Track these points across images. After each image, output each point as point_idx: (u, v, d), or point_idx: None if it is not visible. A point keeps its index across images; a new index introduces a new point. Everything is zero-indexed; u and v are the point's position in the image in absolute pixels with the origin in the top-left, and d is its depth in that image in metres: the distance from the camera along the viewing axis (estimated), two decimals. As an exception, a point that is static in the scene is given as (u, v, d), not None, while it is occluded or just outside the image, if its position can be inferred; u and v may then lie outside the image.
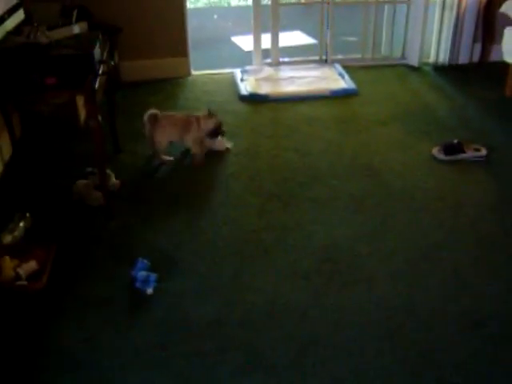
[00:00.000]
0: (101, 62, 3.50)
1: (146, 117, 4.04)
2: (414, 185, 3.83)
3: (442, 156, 4.12)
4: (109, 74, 3.84)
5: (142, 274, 2.94)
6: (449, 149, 4.12)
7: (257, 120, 4.77)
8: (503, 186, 3.85)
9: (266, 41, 5.76)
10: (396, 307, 2.82)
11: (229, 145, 4.29)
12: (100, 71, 3.43)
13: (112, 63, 3.87)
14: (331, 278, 2.99)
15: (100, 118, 3.32)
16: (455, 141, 4.14)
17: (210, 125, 4.09)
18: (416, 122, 4.70)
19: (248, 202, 3.64)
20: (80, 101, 4.09)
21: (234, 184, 3.85)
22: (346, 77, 5.42)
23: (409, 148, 4.30)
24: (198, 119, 4.09)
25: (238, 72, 5.58)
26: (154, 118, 4.04)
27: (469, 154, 4.11)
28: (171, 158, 4.13)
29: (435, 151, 4.17)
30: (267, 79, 5.44)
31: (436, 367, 2.50)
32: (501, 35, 5.00)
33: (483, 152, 4.13)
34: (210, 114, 4.10)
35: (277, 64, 5.79)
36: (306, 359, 2.55)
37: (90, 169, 3.73)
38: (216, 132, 4.14)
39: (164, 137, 4.05)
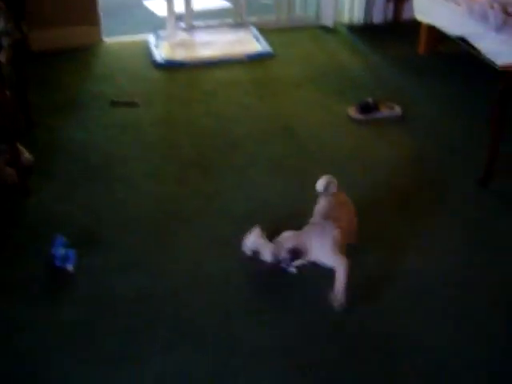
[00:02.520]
0: (5, 33, 3.36)
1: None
2: (331, 145, 3.88)
3: (357, 115, 4.18)
4: (15, 46, 3.69)
5: (60, 251, 2.87)
6: (364, 108, 4.19)
7: (173, 87, 4.70)
8: (418, 142, 3.95)
9: (179, 5, 5.63)
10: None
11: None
12: (5, 43, 3.29)
13: (19, 34, 3.70)
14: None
15: (8, 91, 3.20)
16: (370, 100, 4.21)
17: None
18: (332, 83, 4.74)
19: (167, 172, 3.60)
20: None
21: (153, 154, 3.80)
22: (262, 40, 5.39)
23: (325, 109, 4.34)
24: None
25: (151, 38, 5.45)
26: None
27: (383, 112, 4.19)
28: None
29: (351, 111, 4.22)
30: (182, 44, 5.36)
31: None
32: (412, -7, 5.08)
33: (397, 109, 4.22)
34: None
35: (191, 28, 5.70)
36: (233, 325, 2.58)
37: (1, 145, 3.59)
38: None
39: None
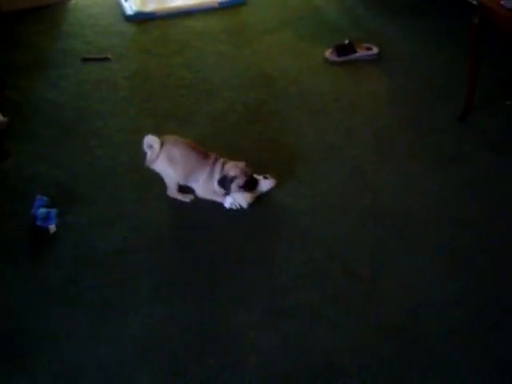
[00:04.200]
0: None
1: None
2: (309, 89, 3.83)
3: (334, 58, 4.12)
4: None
5: (41, 211, 2.84)
6: (341, 50, 4.12)
7: (145, 39, 4.60)
8: (396, 81, 3.90)
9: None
10: (298, 210, 2.87)
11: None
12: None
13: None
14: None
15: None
16: (346, 41, 4.14)
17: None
18: (307, 27, 4.65)
19: (144, 125, 3.53)
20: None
21: (129, 108, 3.73)
22: (232, -14, 5.27)
23: (302, 53, 4.27)
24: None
25: (121, -9, 5.31)
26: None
27: (361, 53, 4.13)
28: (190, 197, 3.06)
29: (328, 54, 4.16)
30: (152, -4, 5.23)
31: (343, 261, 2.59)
32: None
33: (375, 50, 4.15)
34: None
35: (161, -21, 5.56)
36: (216, 275, 2.58)
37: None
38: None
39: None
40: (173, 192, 2.97)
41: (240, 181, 2.85)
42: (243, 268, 2.60)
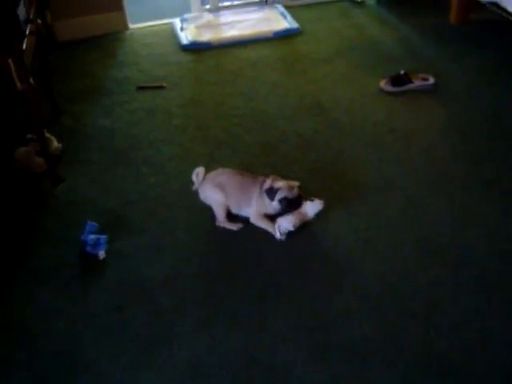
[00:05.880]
0: (27, 21, 3.31)
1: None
2: (363, 119, 3.77)
3: (389, 88, 4.05)
4: (38, 34, 3.65)
5: (91, 237, 2.84)
6: (396, 80, 4.06)
7: (200, 68, 4.62)
8: (452, 112, 3.81)
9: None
10: (351, 241, 2.79)
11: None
12: (27, 31, 3.25)
13: (39, 21, 3.65)
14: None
15: (32, 80, 3.16)
16: (402, 72, 4.07)
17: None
18: (361, 57, 4.61)
19: (196, 153, 3.53)
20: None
21: (181, 136, 3.73)
22: (288, 17, 5.27)
23: (356, 83, 4.22)
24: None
25: (177, 21, 5.38)
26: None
27: (417, 83, 4.05)
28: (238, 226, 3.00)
29: (383, 84, 4.09)
30: (207, 26, 5.27)
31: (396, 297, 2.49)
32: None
33: (431, 80, 4.07)
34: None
35: (216, 9, 5.60)
36: (265, 304, 2.51)
37: (30, 135, 3.56)
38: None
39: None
40: (221, 221, 2.94)
41: (284, 192, 2.81)
42: (292, 302, 2.53)
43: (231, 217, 2.97)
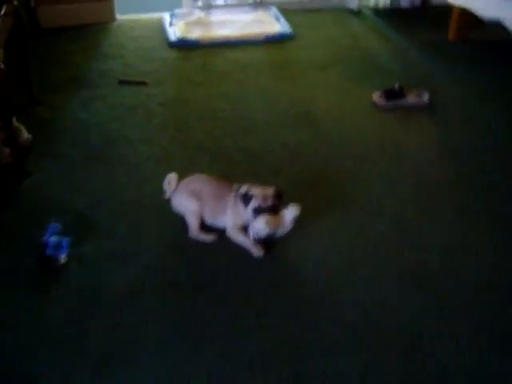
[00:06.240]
0: (2, 1, 3.10)
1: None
2: (353, 132, 3.58)
3: (382, 102, 3.87)
4: (17, 17, 3.44)
5: (53, 239, 2.62)
6: (390, 94, 3.88)
7: (186, 67, 4.42)
8: (447, 132, 3.64)
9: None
10: (333, 264, 2.60)
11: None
12: (1, 11, 3.04)
13: (16, 2, 3.43)
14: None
15: (2, 64, 2.95)
16: (396, 85, 3.90)
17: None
18: (356, 67, 4.43)
19: (175, 155, 3.33)
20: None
21: (161, 135, 3.53)
22: (282, 20, 5.09)
23: (348, 94, 4.04)
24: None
25: (166, 16, 5.17)
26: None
27: (411, 99, 3.88)
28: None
29: (376, 97, 3.91)
30: (198, 23, 5.07)
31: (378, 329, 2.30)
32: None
33: (426, 97, 3.90)
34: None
35: (208, 7, 5.40)
36: (237, 328, 2.31)
37: (-3, 123, 3.34)
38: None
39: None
40: (194, 231, 2.73)
41: (257, 201, 2.61)
42: (266, 325, 2.32)
43: (205, 228, 2.76)
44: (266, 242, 2.66)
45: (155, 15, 5.32)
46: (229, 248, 2.68)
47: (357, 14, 5.45)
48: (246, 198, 2.64)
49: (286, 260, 2.65)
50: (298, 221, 2.63)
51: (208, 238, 2.72)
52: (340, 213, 2.91)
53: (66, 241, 2.62)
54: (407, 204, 2.98)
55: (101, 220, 2.85)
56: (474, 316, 2.37)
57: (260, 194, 2.63)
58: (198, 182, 2.81)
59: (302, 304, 2.42)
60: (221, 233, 2.74)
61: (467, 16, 4.62)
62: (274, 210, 2.64)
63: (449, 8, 4.83)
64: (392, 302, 2.43)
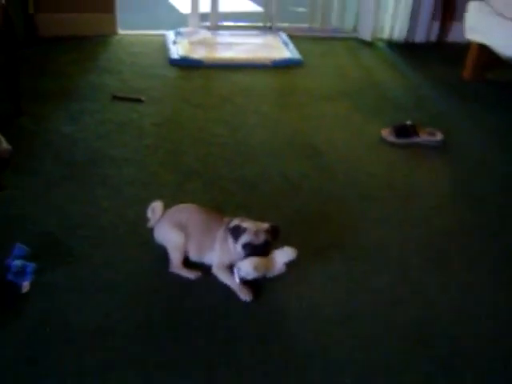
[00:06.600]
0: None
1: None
2: (359, 169, 3.30)
3: (392, 138, 3.61)
4: (6, 20, 3.21)
5: (16, 263, 2.32)
6: (401, 131, 3.61)
7: (186, 87, 4.17)
8: (460, 175, 3.38)
9: (205, 4, 5.13)
10: (327, 315, 2.29)
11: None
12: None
13: (3, 2, 3.19)
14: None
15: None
16: (408, 122, 3.63)
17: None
18: (366, 100, 4.17)
19: (163, 180, 3.05)
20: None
21: (150, 158, 3.25)
22: (291, 46, 4.85)
23: (356, 128, 3.77)
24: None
25: (170, 34, 4.94)
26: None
27: (423, 137, 3.61)
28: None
29: (385, 133, 3.65)
30: (202, 43, 4.83)
31: None
32: (461, 13, 4.61)
33: (439, 137, 3.63)
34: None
35: (215, 28, 5.17)
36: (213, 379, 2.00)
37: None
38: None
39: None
40: (176, 266, 2.43)
41: (249, 237, 2.32)
42: (246, 381, 2.02)
43: (190, 264, 2.47)
44: (254, 284, 2.36)
45: (159, 32, 5.08)
46: (213, 288, 2.38)
47: (369, 45, 5.21)
48: (237, 232, 2.35)
49: (275, 307, 2.34)
50: (293, 263, 2.35)
51: (191, 274, 2.42)
52: (340, 258, 2.61)
53: (31, 266, 2.32)
54: (415, 253, 2.68)
55: (74, 246, 2.55)
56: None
57: (253, 228, 2.35)
58: (185, 212, 2.52)
59: (289, 361, 2.11)
60: (206, 270, 2.45)
61: (484, 54, 4.42)
62: (266, 248, 2.35)
63: (465, 46, 4.63)
64: (392, 365, 2.12)
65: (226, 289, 2.36)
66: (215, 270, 2.42)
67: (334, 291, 2.43)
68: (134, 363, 2.04)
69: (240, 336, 2.18)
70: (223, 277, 2.39)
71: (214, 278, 2.41)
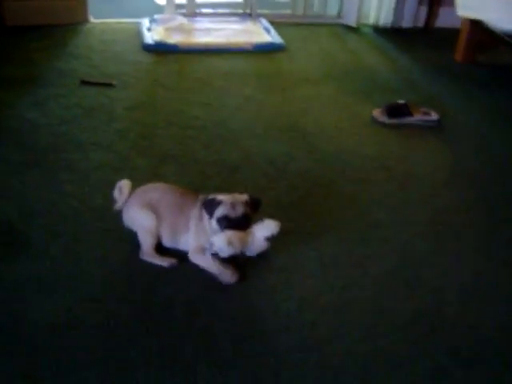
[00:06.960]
0: None
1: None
2: (350, 150, 3.03)
3: (384, 118, 3.35)
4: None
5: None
6: (393, 110, 3.36)
7: (160, 72, 3.88)
8: (458, 154, 3.12)
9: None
10: (323, 304, 2.01)
11: None
12: None
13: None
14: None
15: None
16: (401, 101, 3.38)
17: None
18: (354, 83, 3.91)
19: (135, 164, 2.76)
20: None
21: (120, 142, 2.96)
22: (272, 32, 4.58)
23: (345, 109, 3.51)
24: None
25: (145, 21, 4.65)
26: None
27: (417, 117, 3.35)
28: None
29: (377, 113, 3.39)
30: (179, 29, 4.54)
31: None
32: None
33: (434, 116, 3.37)
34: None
35: (192, 15, 4.89)
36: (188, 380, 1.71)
37: None
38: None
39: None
40: (148, 253, 2.14)
41: (224, 209, 2.05)
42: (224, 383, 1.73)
43: (162, 249, 2.17)
44: (235, 262, 2.07)
45: (133, 20, 4.79)
46: (190, 276, 2.09)
47: (355, 30, 4.95)
48: (211, 205, 2.08)
49: (263, 296, 2.05)
50: (283, 247, 2.06)
51: (164, 262, 2.13)
52: (334, 241, 2.33)
53: (-19, 258, 2.04)
54: (415, 236, 2.41)
55: (32, 235, 2.26)
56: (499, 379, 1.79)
57: (229, 199, 2.07)
58: (156, 191, 2.23)
59: (280, 358, 1.82)
60: (182, 257, 2.15)
61: (476, 34, 4.26)
62: (244, 221, 2.07)
63: (453, 31, 4.47)
64: (396, 356, 1.84)
65: (204, 277, 2.07)
66: (192, 255, 2.12)
67: (329, 278, 2.14)
68: (94, 367, 1.74)
69: (220, 332, 1.89)
70: (201, 261, 2.09)
71: (192, 266, 2.12)
